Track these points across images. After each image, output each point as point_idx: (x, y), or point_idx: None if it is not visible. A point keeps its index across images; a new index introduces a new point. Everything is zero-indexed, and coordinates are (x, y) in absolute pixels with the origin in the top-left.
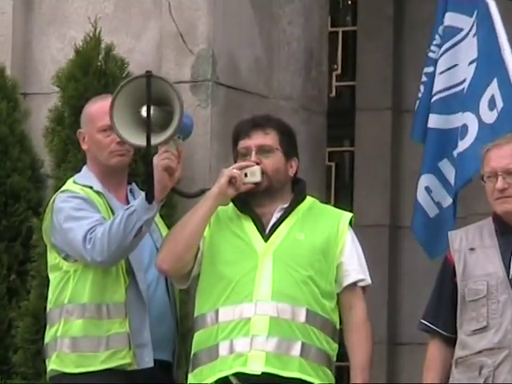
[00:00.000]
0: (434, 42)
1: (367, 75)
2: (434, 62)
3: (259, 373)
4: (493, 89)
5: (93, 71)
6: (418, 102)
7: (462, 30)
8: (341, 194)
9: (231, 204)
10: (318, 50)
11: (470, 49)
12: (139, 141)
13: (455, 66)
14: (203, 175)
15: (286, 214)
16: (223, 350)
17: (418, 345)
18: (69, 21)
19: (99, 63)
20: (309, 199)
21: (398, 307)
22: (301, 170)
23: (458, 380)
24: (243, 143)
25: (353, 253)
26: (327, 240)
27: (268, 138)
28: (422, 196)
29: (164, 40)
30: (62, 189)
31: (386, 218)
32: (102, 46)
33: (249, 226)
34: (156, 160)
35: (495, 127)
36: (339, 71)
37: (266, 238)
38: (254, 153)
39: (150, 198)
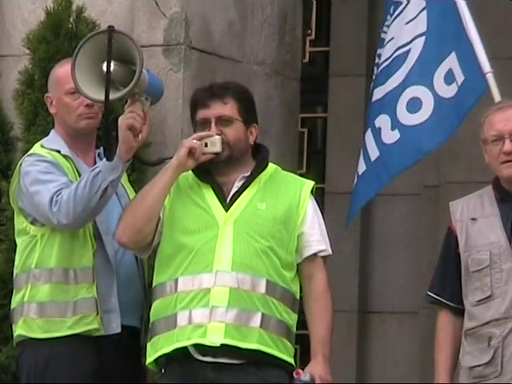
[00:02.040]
0: (386, 23)
1: (341, 41)
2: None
3: (218, 344)
4: (450, 63)
5: (64, 33)
6: (372, 83)
7: (401, 3)
8: (313, 161)
9: (191, 172)
10: (292, 15)
11: (418, 22)
12: (99, 96)
13: (392, 38)
14: (175, 140)
15: (248, 183)
16: (182, 319)
17: (389, 313)
18: None
19: (70, 25)
20: (271, 167)
21: (369, 275)
22: (273, 135)
23: (468, 352)
24: (202, 113)
25: (314, 223)
26: (288, 210)
27: (227, 108)
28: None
29: (137, 2)
30: (29, 152)
31: None
32: (73, 8)
33: (209, 195)
34: (120, 120)
35: (458, 101)
36: (313, 36)
37: (227, 208)
38: (213, 124)
39: (108, 155)
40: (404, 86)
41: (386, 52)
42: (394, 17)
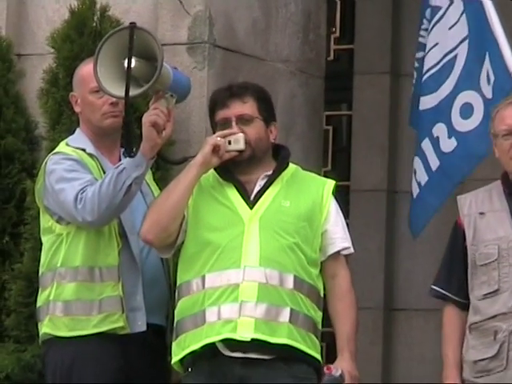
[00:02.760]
0: (423, 27)
1: (366, 38)
2: (424, 47)
3: (249, 339)
4: (486, 64)
5: (88, 32)
6: (412, 88)
7: (441, 8)
8: (338, 159)
9: (212, 172)
10: (316, 13)
11: (460, 26)
12: (120, 92)
13: (436, 44)
14: (199, 138)
15: (270, 181)
16: (211, 316)
17: (414, 310)
18: None
19: (94, 24)
20: (291, 166)
21: (395, 273)
22: (298, 133)
23: (472, 346)
24: (222, 113)
25: (337, 221)
26: (312, 207)
27: (246, 107)
28: (412, 179)
29: (160, 1)
30: (55, 151)
31: (384, 183)
32: (97, 6)
33: (233, 194)
34: (144, 117)
35: (492, 102)
36: (337, 34)
37: (252, 205)
38: (234, 123)
39: (129, 152)
40: (455, 92)
41: (430, 58)
42: (434, 22)
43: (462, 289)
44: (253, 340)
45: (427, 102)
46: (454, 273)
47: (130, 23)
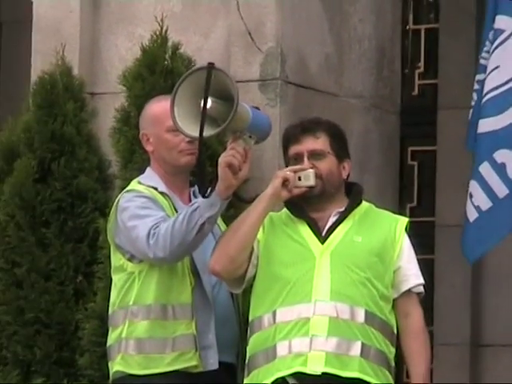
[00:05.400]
0: (485, 49)
1: (450, 73)
2: (485, 69)
3: (319, 373)
4: None
5: (159, 70)
6: (471, 110)
7: (504, 30)
8: (424, 194)
9: (285, 210)
10: (391, 48)
11: None
12: (196, 132)
13: (498, 67)
14: (272, 175)
15: (343, 217)
16: (281, 350)
17: (502, 346)
18: (137, 19)
19: (166, 62)
20: (365, 204)
21: (481, 308)
22: (373, 169)
23: None
24: (294, 149)
25: (410, 258)
26: (384, 243)
27: (319, 143)
28: (467, 202)
29: (232, 38)
30: (127, 189)
31: None
32: (169, 44)
33: (304, 230)
34: (221, 157)
35: None
36: (422, 69)
37: (323, 240)
38: (305, 158)
39: (203, 191)
40: None
41: (490, 81)
42: (496, 44)
43: None
44: (324, 374)
45: (486, 125)
46: None
47: (209, 63)
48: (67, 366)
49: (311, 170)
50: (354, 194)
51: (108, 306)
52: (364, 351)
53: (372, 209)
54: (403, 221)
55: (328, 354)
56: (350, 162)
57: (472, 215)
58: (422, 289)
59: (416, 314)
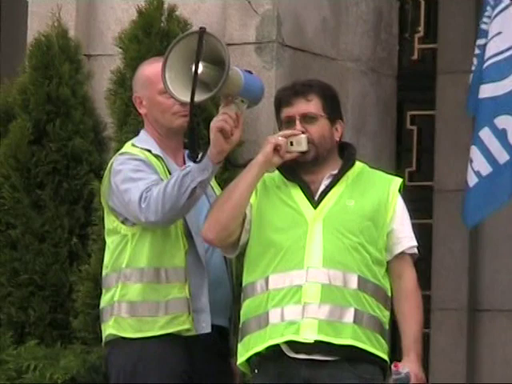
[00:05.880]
0: (486, 14)
1: (449, 38)
2: (486, 34)
3: (312, 341)
4: None
5: (155, 32)
6: (471, 75)
7: None
8: (422, 159)
9: (277, 172)
10: (388, 12)
11: None
12: (185, 97)
13: (500, 33)
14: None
15: (335, 180)
16: (274, 317)
17: (499, 311)
18: None
19: (162, 24)
20: (358, 164)
21: (479, 273)
22: (369, 132)
23: None
24: (286, 112)
25: (404, 220)
26: (377, 207)
27: (311, 105)
28: (468, 167)
29: (228, 0)
30: (121, 151)
31: None
32: (165, 6)
33: (297, 194)
34: (212, 122)
35: None
36: (422, 34)
37: (316, 205)
38: (298, 122)
39: (193, 157)
40: None
41: (492, 46)
42: (499, 10)
43: None
44: (317, 342)
45: (487, 90)
46: None
47: (200, 28)
48: (61, 327)
49: (303, 136)
50: (347, 156)
51: (102, 268)
52: (357, 317)
53: (365, 170)
54: (397, 181)
55: (321, 322)
56: (342, 123)
57: (472, 180)
58: (415, 250)
59: (408, 276)
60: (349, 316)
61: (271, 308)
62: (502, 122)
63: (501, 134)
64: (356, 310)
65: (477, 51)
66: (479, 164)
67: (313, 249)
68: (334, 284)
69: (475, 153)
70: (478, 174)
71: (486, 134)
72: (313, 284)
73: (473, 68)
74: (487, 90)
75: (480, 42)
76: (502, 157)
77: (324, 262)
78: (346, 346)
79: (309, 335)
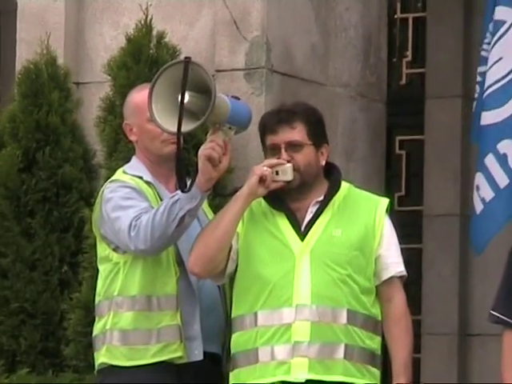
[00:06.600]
0: (486, 41)
1: (437, 62)
2: (486, 61)
3: (303, 380)
4: None
5: (144, 59)
6: (474, 103)
7: (505, 22)
8: (412, 184)
9: (263, 199)
10: (377, 36)
11: None
12: (174, 127)
13: (500, 59)
14: (257, 165)
15: (321, 208)
16: (264, 355)
17: (490, 336)
18: (122, 8)
19: (151, 51)
20: (344, 186)
21: (469, 297)
22: (359, 158)
23: None
24: (271, 139)
25: (391, 244)
26: (364, 233)
27: (295, 133)
28: (474, 194)
29: (217, 27)
30: (112, 179)
31: (457, 208)
32: (154, 33)
33: (284, 224)
34: (200, 150)
35: None
36: (409, 58)
37: (302, 237)
38: (283, 150)
39: (181, 186)
40: None
41: (494, 73)
42: (498, 36)
43: None
44: (308, 380)
45: (490, 117)
46: None
47: (185, 57)
48: (52, 356)
49: (289, 165)
50: (332, 181)
51: (93, 295)
52: (347, 353)
53: (351, 192)
54: (383, 203)
55: (311, 360)
56: (328, 146)
57: (478, 207)
58: (404, 272)
59: (398, 299)
60: (339, 352)
61: (260, 346)
62: (504, 146)
63: (502, 159)
64: (346, 346)
65: (478, 78)
66: (484, 191)
67: (301, 284)
68: (324, 321)
69: (481, 180)
70: (483, 200)
71: (490, 160)
72: (302, 322)
73: (475, 95)
74: (489, 118)
75: (481, 69)
76: (503, 181)
77: (313, 299)
78: (337, 382)
79: (300, 375)
